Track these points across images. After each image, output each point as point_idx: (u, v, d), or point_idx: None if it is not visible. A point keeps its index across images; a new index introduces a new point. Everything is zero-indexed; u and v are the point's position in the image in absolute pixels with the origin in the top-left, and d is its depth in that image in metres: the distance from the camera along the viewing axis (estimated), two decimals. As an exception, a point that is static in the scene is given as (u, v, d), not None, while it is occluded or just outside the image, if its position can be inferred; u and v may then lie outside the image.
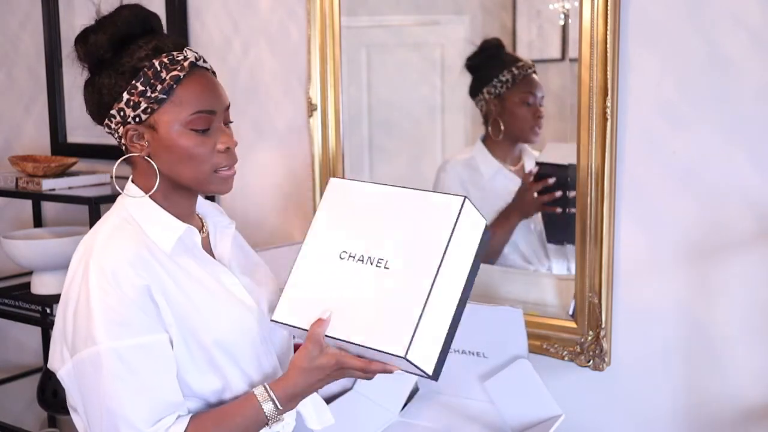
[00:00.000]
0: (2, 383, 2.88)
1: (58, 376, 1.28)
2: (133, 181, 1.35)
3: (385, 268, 1.22)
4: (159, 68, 1.27)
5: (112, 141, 1.36)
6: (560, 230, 1.93)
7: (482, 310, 1.69)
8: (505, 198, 2.02)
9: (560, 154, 1.90)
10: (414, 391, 1.89)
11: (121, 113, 1.28)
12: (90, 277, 1.22)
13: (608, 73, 1.73)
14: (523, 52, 1.99)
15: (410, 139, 2.21)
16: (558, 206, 1.92)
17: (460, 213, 1.20)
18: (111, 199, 2.23)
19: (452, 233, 1.19)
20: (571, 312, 1.88)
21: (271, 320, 1.31)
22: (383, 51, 2.23)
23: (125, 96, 1.27)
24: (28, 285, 2.49)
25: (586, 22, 1.75)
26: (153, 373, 1.22)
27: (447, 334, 1.21)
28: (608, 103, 1.74)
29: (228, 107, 1.35)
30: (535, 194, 1.97)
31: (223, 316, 1.31)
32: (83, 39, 1.30)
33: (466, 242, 1.23)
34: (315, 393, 1.33)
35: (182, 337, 1.26)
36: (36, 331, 2.91)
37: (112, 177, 1.34)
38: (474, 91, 2.05)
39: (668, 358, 1.78)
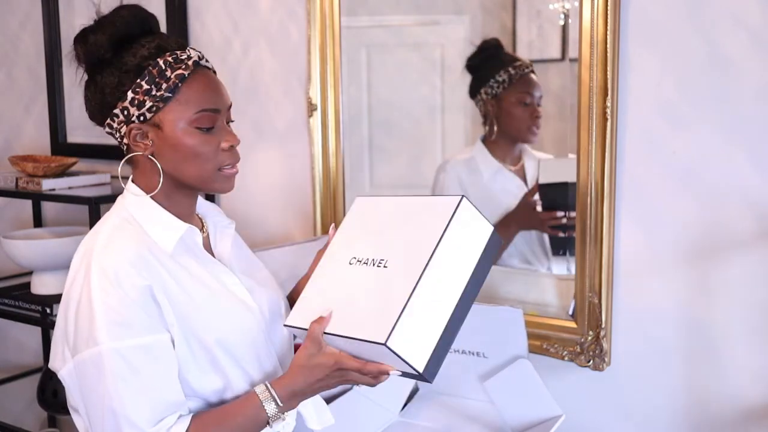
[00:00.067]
0: (2, 383, 2.88)
1: (60, 377, 1.28)
2: (133, 181, 1.35)
3: (384, 267, 1.23)
4: (164, 67, 1.27)
5: (112, 141, 1.35)
6: (563, 243, 1.94)
7: (482, 310, 1.69)
8: (504, 198, 2.03)
9: (561, 171, 1.90)
10: (414, 391, 1.89)
11: (125, 112, 1.28)
12: (91, 278, 1.22)
13: (608, 73, 1.73)
14: (523, 52, 1.99)
15: (410, 139, 2.21)
16: (560, 230, 1.93)
17: (455, 210, 1.22)
18: (111, 199, 2.23)
19: (446, 229, 1.21)
20: (571, 312, 1.88)
21: (284, 325, 1.32)
22: (383, 51, 2.23)
23: (129, 95, 1.27)
24: (28, 285, 2.49)
25: (586, 22, 1.75)
26: (154, 373, 1.22)
27: (443, 333, 1.21)
28: (608, 103, 1.74)
29: (230, 106, 1.35)
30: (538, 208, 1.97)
31: (225, 315, 1.31)
32: (83, 39, 1.30)
33: (465, 242, 1.23)
34: (316, 393, 1.34)
35: (184, 336, 1.26)
36: (36, 331, 2.91)
37: (118, 177, 1.34)
38: (473, 91, 2.05)
39: (668, 358, 1.78)
